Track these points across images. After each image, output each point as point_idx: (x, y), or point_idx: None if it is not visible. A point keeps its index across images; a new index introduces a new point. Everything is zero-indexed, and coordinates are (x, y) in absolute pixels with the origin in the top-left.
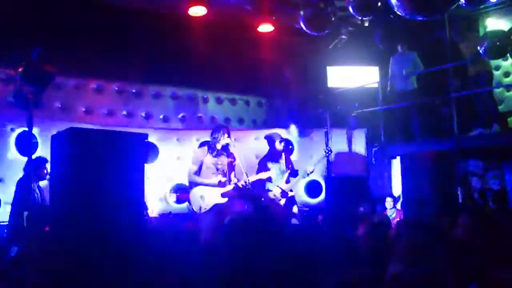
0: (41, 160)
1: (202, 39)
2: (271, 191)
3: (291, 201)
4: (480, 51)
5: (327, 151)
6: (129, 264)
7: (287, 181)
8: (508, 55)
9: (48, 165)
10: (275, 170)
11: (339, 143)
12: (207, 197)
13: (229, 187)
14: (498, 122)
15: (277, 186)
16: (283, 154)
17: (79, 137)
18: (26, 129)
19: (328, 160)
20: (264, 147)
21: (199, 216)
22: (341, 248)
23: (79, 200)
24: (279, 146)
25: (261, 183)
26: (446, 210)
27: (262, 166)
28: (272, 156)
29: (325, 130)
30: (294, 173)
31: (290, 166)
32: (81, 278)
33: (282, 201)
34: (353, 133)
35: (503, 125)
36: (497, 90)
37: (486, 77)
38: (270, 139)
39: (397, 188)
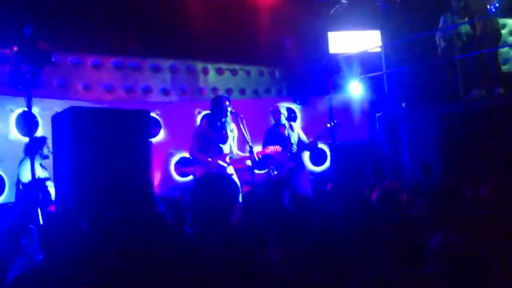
0: (41, 139)
1: (201, 9)
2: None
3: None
4: (491, 10)
5: (332, 124)
6: (139, 243)
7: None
8: None
9: (49, 144)
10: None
11: (341, 110)
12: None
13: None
14: (501, 85)
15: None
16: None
17: (80, 116)
18: (26, 109)
19: (332, 127)
20: (267, 117)
21: None
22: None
23: (84, 179)
24: (284, 119)
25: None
26: (452, 175)
27: (270, 137)
28: (280, 127)
29: (328, 97)
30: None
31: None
32: (89, 259)
33: None
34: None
35: (508, 86)
36: (503, 50)
37: (492, 37)
38: (276, 112)
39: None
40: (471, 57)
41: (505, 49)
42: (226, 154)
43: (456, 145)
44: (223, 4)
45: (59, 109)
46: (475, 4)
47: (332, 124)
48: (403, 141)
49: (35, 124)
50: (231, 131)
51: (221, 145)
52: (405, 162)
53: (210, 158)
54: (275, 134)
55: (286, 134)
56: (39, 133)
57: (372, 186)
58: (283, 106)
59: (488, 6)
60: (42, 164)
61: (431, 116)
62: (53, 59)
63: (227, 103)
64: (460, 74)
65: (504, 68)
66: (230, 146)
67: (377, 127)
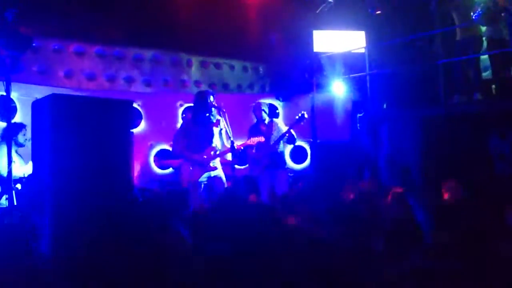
0: (18, 126)
1: (187, 1)
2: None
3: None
4: (473, 17)
5: (300, 115)
6: (118, 234)
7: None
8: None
9: (25, 131)
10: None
11: (324, 109)
12: (197, 164)
13: (221, 154)
14: (480, 90)
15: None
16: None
17: (62, 103)
18: (4, 93)
19: (313, 126)
20: (249, 112)
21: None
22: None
23: (64, 168)
24: (265, 116)
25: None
26: (430, 177)
27: (252, 133)
28: (260, 125)
29: (311, 95)
30: (291, 139)
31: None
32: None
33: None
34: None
35: (487, 92)
36: (484, 57)
37: (474, 43)
38: (257, 109)
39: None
40: (453, 62)
41: (486, 56)
42: (210, 149)
43: (435, 148)
44: None
45: (38, 95)
46: (459, 9)
47: (300, 115)
48: (383, 142)
49: (13, 110)
50: (217, 125)
51: (205, 139)
52: (384, 163)
53: (193, 153)
54: (257, 131)
55: (265, 131)
56: (17, 119)
57: (350, 186)
58: (265, 103)
59: (472, 13)
60: (18, 152)
61: (411, 119)
62: (34, 44)
63: (211, 97)
64: (442, 78)
65: (484, 74)
66: (216, 139)
67: (358, 127)
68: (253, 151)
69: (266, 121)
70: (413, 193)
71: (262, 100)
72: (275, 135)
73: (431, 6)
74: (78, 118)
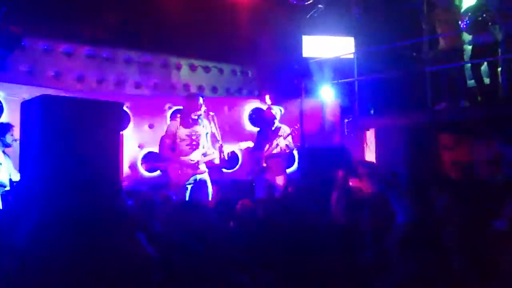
0: (5, 126)
1: (176, 3)
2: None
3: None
4: (462, 26)
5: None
6: (106, 236)
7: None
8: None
9: (13, 131)
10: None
11: (312, 114)
12: (186, 167)
13: (210, 157)
14: (466, 98)
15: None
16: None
17: (52, 104)
18: None
19: (301, 131)
20: (238, 117)
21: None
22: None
23: (52, 170)
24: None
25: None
26: (417, 182)
27: (260, 137)
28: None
29: (299, 100)
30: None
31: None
32: (54, 247)
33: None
34: None
35: (472, 100)
36: (469, 66)
37: (458, 52)
38: (267, 113)
39: (370, 159)
40: (440, 70)
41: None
42: (198, 151)
43: (422, 154)
44: (200, 0)
45: (26, 95)
46: (446, 18)
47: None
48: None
49: (0, 109)
50: (203, 127)
51: (193, 142)
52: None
53: (180, 156)
54: (265, 135)
55: (271, 135)
56: (3, 119)
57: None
58: (277, 109)
59: (460, 22)
60: (6, 152)
61: (399, 124)
62: (23, 44)
63: (201, 100)
64: (429, 85)
65: (470, 82)
66: (203, 142)
67: (346, 132)
68: (255, 154)
69: (274, 126)
70: (398, 197)
71: (273, 106)
72: (279, 140)
73: (420, 16)
74: (68, 119)
